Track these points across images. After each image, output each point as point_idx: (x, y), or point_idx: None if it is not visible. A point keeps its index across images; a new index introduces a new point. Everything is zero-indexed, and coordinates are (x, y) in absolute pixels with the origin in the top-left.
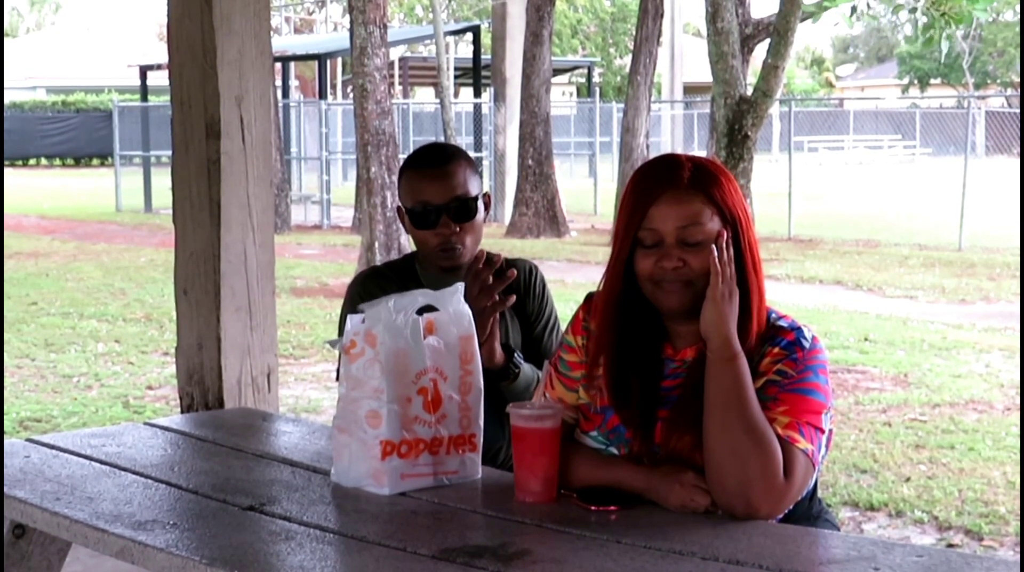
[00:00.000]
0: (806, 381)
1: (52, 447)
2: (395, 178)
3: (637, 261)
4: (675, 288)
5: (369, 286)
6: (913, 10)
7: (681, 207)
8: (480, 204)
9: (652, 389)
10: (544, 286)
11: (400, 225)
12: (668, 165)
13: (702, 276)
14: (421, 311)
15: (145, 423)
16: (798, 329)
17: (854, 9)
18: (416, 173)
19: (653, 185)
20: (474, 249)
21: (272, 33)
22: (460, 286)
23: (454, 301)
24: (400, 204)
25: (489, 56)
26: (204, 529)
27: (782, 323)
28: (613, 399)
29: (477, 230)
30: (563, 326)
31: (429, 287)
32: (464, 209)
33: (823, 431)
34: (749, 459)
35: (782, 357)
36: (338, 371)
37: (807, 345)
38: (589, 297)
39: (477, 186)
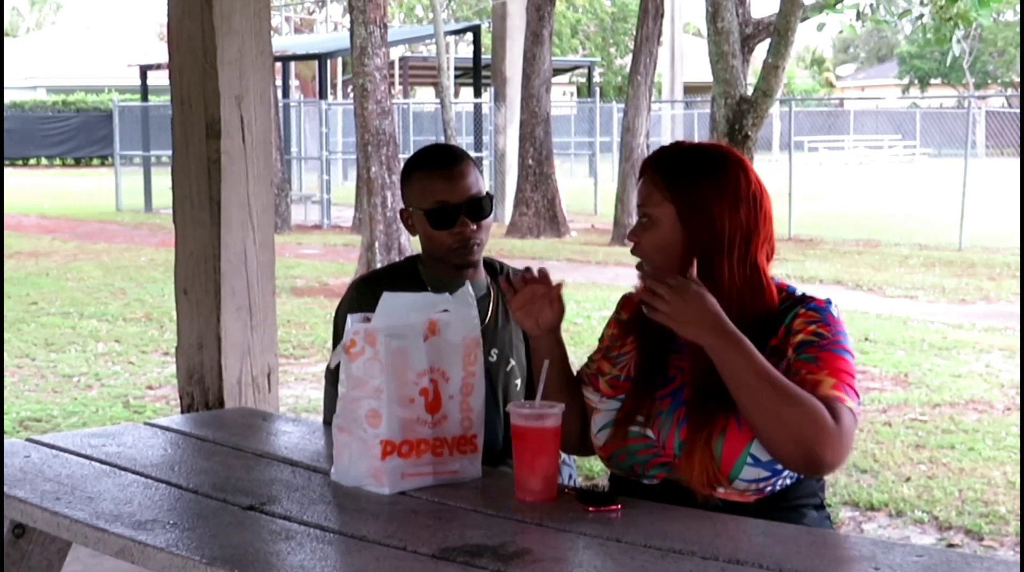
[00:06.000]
0: (840, 342)
1: (52, 447)
2: (395, 178)
3: None
4: (641, 269)
5: (364, 293)
6: (920, 17)
7: (642, 186)
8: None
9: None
10: None
11: (400, 225)
12: (658, 151)
13: (647, 258)
14: None
15: (145, 423)
16: (828, 300)
17: (859, 14)
18: (430, 173)
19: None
20: (484, 246)
21: (272, 33)
22: (468, 288)
23: (460, 302)
24: (406, 207)
25: (489, 56)
26: (204, 529)
27: (811, 294)
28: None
29: (489, 228)
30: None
31: (433, 289)
32: (480, 208)
33: (859, 395)
34: (798, 423)
35: (816, 319)
36: (328, 368)
37: (837, 315)
38: (626, 296)
39: (484, 185)
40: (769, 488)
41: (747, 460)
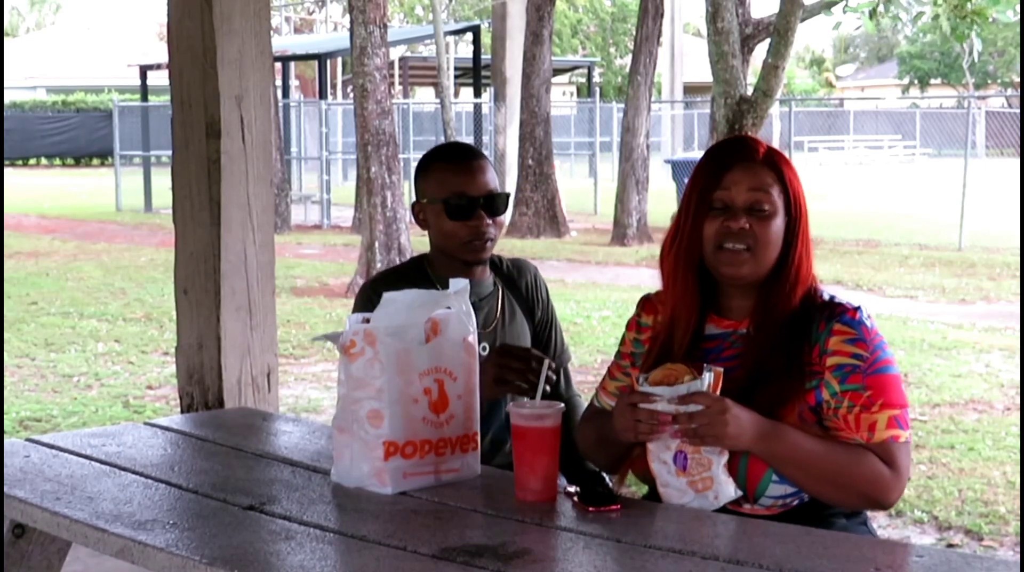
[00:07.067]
0: (880, 359)
1: (52, 447)
2: (396, 178)
3: (705, 227)
4: (737, 253)
5: (380, 290)
6: (936, 17)
7: (753, 176)
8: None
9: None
10: (547, 290)
11: (400, 226)
12: (745, 141)
13: (761, 247)
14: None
15: (145, 423)
16: (858, 307)
17: (873, 12)
18: (449, 166)
19: (728, 156)
20: (495, 245)
21: (272, 33)
22: (466, 284)
23: (461, 301)
24: (419, 200)
25: (489, 56)
26: (204, 529)
27: (841, 300)
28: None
29: (502, 227)
30: (560, 322)
31: (442, 288)
32: (496, 203)
33: (908, 408)
34: (857, 484)
35: (852, 336)
36: None
37: (869, 323)
38: (645, 297)
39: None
40: (797, 502)
41: (772, 477)
